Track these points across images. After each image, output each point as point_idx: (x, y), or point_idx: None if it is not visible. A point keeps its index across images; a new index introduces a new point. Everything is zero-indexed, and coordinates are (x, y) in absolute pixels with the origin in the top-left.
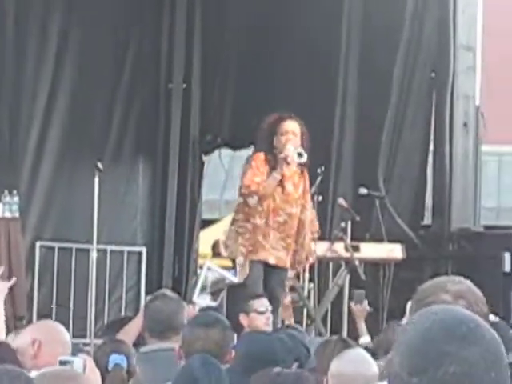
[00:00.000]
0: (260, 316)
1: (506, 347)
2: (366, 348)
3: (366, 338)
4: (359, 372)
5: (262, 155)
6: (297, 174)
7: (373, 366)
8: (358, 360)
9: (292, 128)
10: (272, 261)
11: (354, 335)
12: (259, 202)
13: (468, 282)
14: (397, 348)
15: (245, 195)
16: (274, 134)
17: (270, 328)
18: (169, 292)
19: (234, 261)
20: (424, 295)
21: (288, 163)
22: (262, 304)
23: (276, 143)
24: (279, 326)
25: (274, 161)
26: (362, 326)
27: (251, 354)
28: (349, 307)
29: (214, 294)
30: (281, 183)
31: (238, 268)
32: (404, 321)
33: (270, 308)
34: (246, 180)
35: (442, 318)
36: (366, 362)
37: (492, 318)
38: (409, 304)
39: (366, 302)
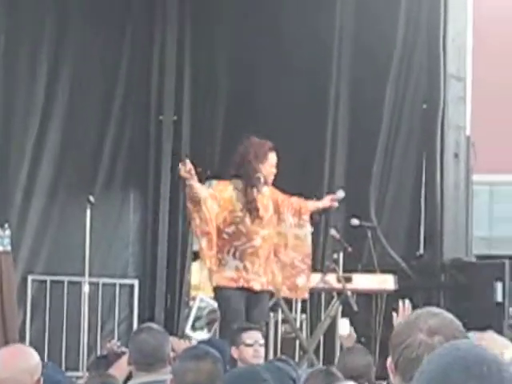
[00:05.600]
0: (248, 348)
1: None
2: None
3: None
4: None
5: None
6: (265, 197)
7: None
8: None
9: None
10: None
11: None
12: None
13: (443, 313)
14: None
15: None
16: (261, 163)
17: (259, 360)
18: (154, 324)
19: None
20: (399, 340)
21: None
22: (251, 336)
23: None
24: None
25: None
26: None
27: None
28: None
29: (209, 324)
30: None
31: None
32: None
33: (260, 341)
34: None
35: (463, 355)
36: None
37: None
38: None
39: (351, 330)
